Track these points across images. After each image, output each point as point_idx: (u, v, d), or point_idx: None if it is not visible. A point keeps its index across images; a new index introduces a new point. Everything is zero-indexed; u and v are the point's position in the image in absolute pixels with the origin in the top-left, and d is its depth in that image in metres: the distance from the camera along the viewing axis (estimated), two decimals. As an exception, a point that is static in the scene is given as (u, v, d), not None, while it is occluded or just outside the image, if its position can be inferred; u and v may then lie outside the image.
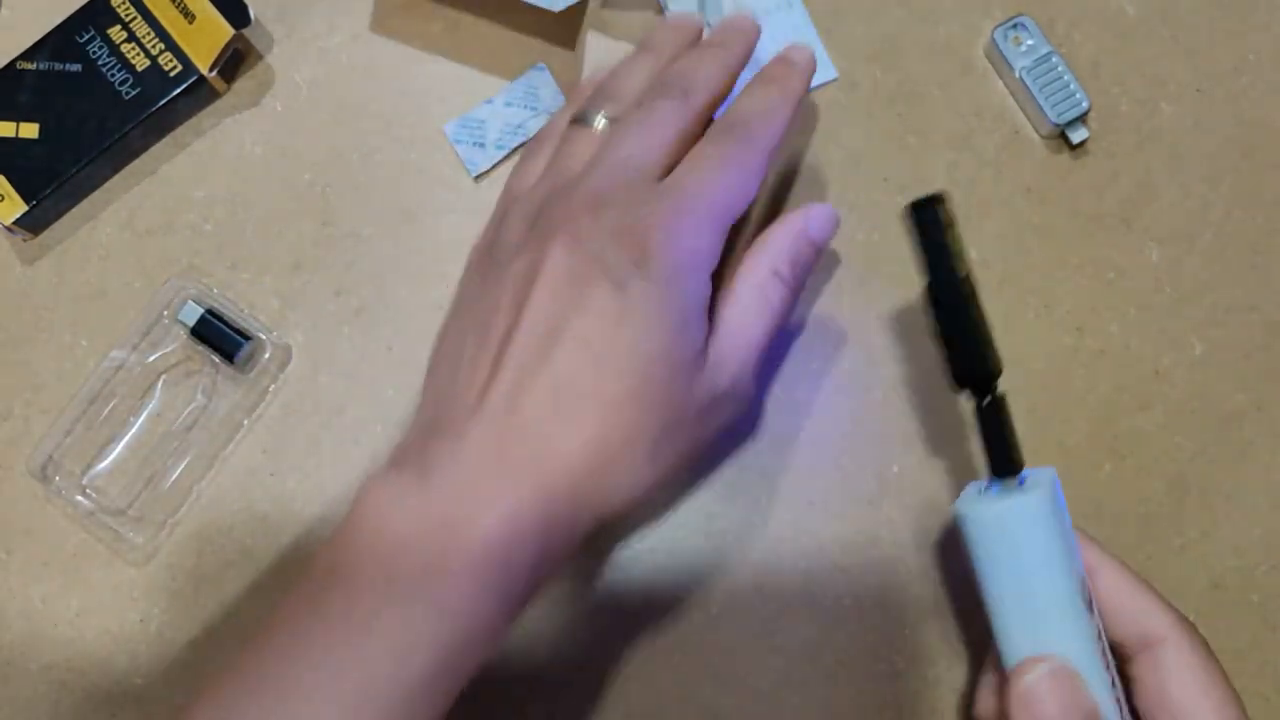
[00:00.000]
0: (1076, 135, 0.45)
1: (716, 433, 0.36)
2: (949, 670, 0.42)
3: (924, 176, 0.46)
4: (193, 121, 0.47)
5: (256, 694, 0.31)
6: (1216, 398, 0.44)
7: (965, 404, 0.35)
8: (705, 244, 0.35)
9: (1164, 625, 0.35)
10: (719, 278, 0.36)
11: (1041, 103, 0.45)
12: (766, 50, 0.40)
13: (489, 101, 0.46)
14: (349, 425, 0.44)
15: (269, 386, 0.44)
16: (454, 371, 0.35)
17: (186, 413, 0.44)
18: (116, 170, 0.46)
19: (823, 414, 0.44)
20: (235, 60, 0.47)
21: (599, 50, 0.47)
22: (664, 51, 0.40)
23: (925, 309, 0.34)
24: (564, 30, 0.47)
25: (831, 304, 0.45)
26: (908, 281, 0.45)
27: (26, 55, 0.45)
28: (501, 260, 0.36)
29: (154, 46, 0.45)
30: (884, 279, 0.45)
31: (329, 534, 0.43)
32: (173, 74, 0.45)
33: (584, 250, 0.33)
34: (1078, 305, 0.45)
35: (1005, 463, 0.34)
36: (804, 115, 0.46)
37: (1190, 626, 0.36)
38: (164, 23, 0.45)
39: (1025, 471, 0.34)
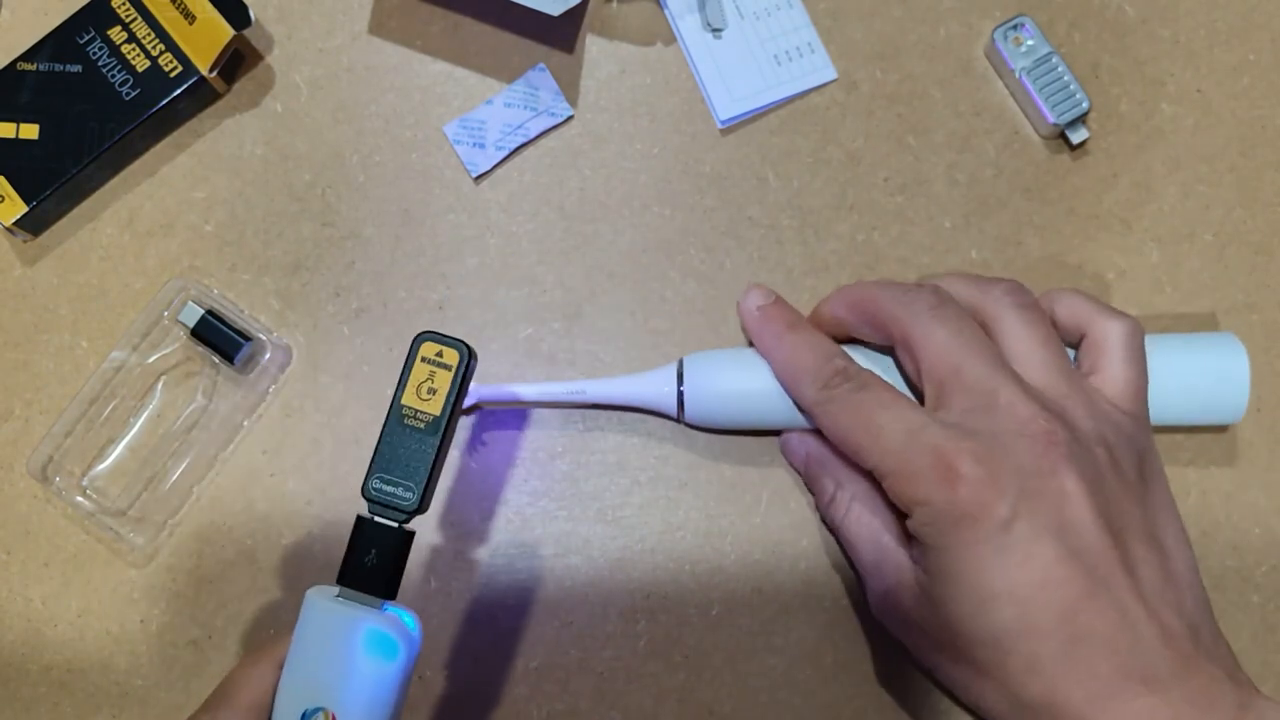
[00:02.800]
0: (1076, 135, 0.45)
1: None
2: (949, 670, 0.42)
3: (924, 176, 0.46)
4: (193, 122, 0.47)
5: None
6: (1216, 398, 0.44)
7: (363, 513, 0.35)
8: None
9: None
10: None
11: (1041, 103, 0.45)
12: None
13: (489, 102, 0.46)
14: (349, 426, 0.44)
15: (269, 387, 0.44)
16: None
17: (187, 413, 0.44)
18: (117, 171, 0.46)
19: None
20: (235, 61, 0.47)
21: (598, 52, 0.47)
22: None
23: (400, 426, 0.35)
24: (563, 32, 0.47)
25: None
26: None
27: (27, 56, 0.45)
28: None
29: (154, 47, 0.45)
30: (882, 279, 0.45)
31: (329, 534, 0.43)
32: (173, 75, 0.45)
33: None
34: (1078, 305, 0.45)
35: (388, 586, 0.35)
36: (804, 116, 0.46)
37: None
38: (164, 24, 0.45)
39: (387, 604, 0.35)
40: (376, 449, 0.35)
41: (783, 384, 0.40)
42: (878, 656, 0.43)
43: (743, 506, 0.44)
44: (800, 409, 0.40)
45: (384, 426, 0.35)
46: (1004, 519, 0.33)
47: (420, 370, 0.35)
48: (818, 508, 0.43)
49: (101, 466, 0.44)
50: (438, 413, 0.35)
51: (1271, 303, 0.45)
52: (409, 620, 0.35)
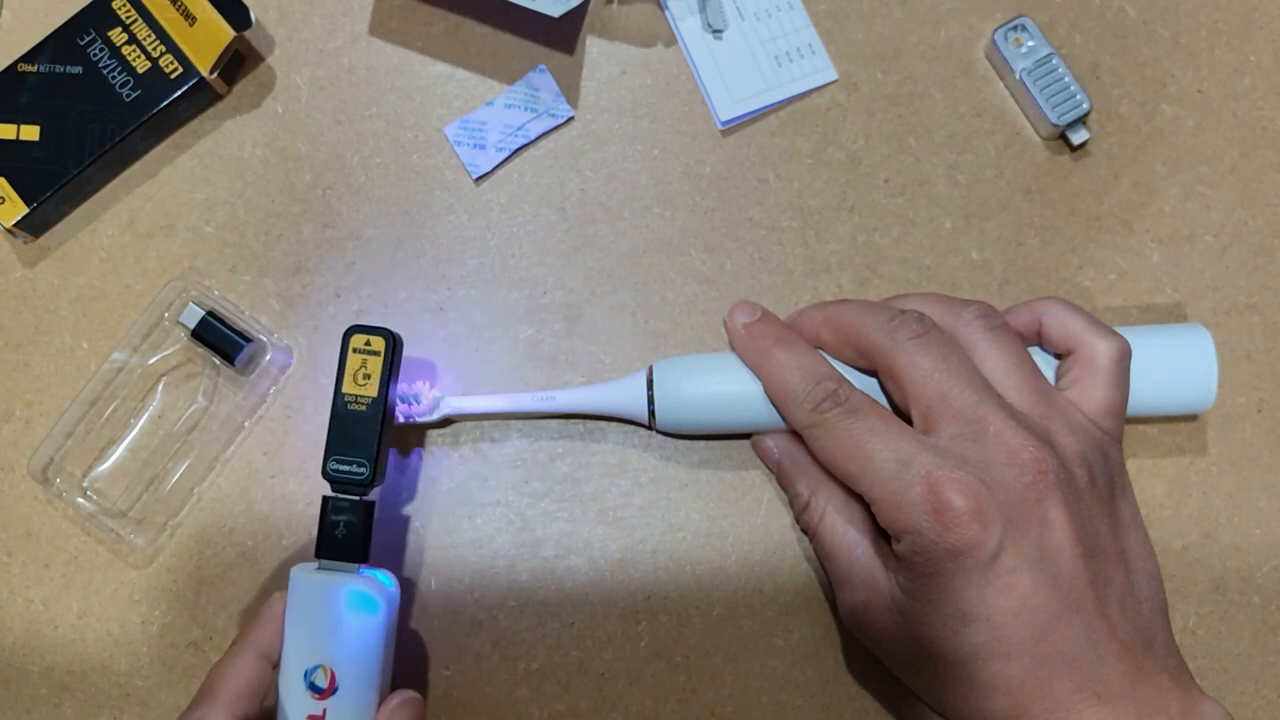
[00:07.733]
0: (1077, 136, 0.45)
1: None
2: (950, 671, 0.42)
3: (924, 177, 0.46)
4: (194, 124, 0.47)
5: None
6: (1217, 398, 0.44)
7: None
8: None
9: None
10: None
11: (1042, 104, 0.45)
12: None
13: (489, 103, 0.46)
14: (350, 427, 0.44)
15: (269, 388, 0.44)
16: None
17: (187, 415, 0.44)
18: (117, 173, 0.46)
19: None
20: (236, 62, 0.47)
21: (599, 53, 0.47)
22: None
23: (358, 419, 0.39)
24: (564, 33, 0.47)
25: (832, 305, 0.45)
26: (905, 283, 0.45)
27: (27, 57, 0.45)
28: None
29: (155, 49, 0.45)
30: (883, 280, 0.45)
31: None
32: (173, 76, 0.45)
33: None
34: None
35: (361, 552, 0.39)
36: (804, 117, 0.46)
37: None
38: (165, 25, 0.45)
39: (363, 568, 0.39)
40: (328, 436, 0.39)
41: (773, 404, 0.40)
42: (878, 658, 0.43)
43: (744, 508, 0.44)
44: (790, 429, 0.40)
45: (331, 415, 0.39)
46: (991, 552, 0.34)
47: (354, 360, 0.40)
48: (791, 510, 0.43)
49: (102, 468, 0.44)
50: (375, 394, 0.40)
51: (1271, 303, 0.45)
52: (384, 578, 0.39)
